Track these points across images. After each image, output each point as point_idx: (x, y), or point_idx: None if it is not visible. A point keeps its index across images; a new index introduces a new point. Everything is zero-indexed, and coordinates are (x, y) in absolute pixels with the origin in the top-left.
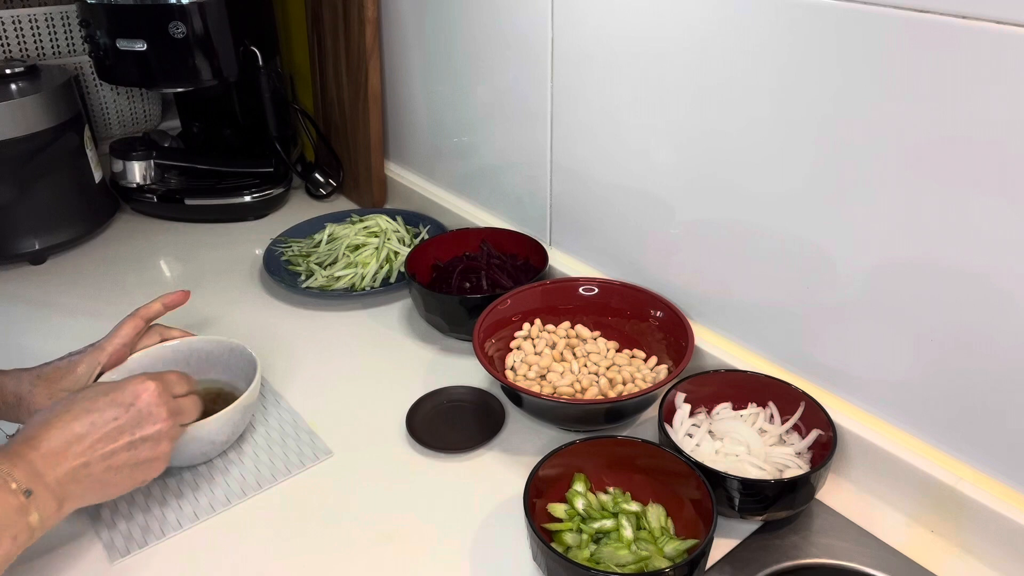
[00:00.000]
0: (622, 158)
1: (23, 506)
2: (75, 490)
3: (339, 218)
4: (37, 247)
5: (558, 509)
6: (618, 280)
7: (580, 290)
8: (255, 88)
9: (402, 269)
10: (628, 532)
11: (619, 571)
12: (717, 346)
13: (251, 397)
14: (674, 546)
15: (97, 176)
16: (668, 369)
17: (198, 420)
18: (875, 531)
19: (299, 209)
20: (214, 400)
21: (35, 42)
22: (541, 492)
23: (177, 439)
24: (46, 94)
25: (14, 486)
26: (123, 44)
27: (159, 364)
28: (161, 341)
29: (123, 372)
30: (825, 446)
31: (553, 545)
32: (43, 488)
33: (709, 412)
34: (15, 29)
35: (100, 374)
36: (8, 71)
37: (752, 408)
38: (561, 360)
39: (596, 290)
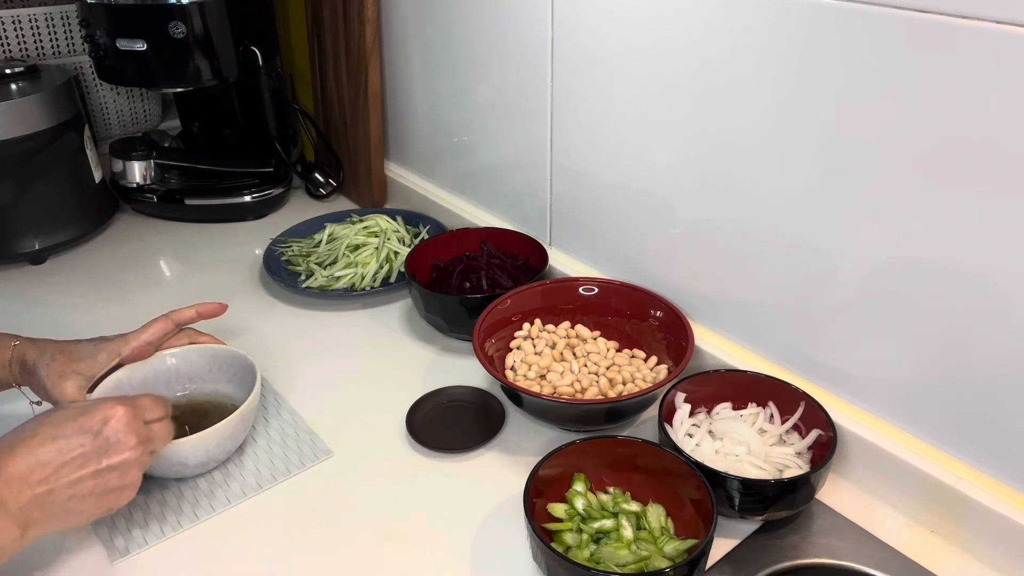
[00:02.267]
0: (622, 158)
1: None
2: (39, 517)
3: (339, 218)
4: (37, 247)
5: (558, 509)
6: (618, 280)
7: (580, 290)
8: (255, 88)
9: (402, 269)
10: (628, 532)
11: (619, 571)
12: (717, 346)
13: (248, 409)
14: (674, 546)
15: (97, 176)
16: (668, 369)
17: (195, 434)
18: (875, 531)
19: (299, 209)
20: (223, 411)
21: (35, 42)
22: (541, 492)
23: (148, 466)
24: (46, 94)
25: None
26: (123, 44)
27: (183, 364)
28: (189, 344)
29: (146, 368)
30: (825, 446)
31: (553, 545)
32: (4, 514)
33: (709, 412)
34: (15, 29)
35: (118, 366)
36: (8, 71)
37: (752, 408)
38: (561, 360)
39: (596, 290)
